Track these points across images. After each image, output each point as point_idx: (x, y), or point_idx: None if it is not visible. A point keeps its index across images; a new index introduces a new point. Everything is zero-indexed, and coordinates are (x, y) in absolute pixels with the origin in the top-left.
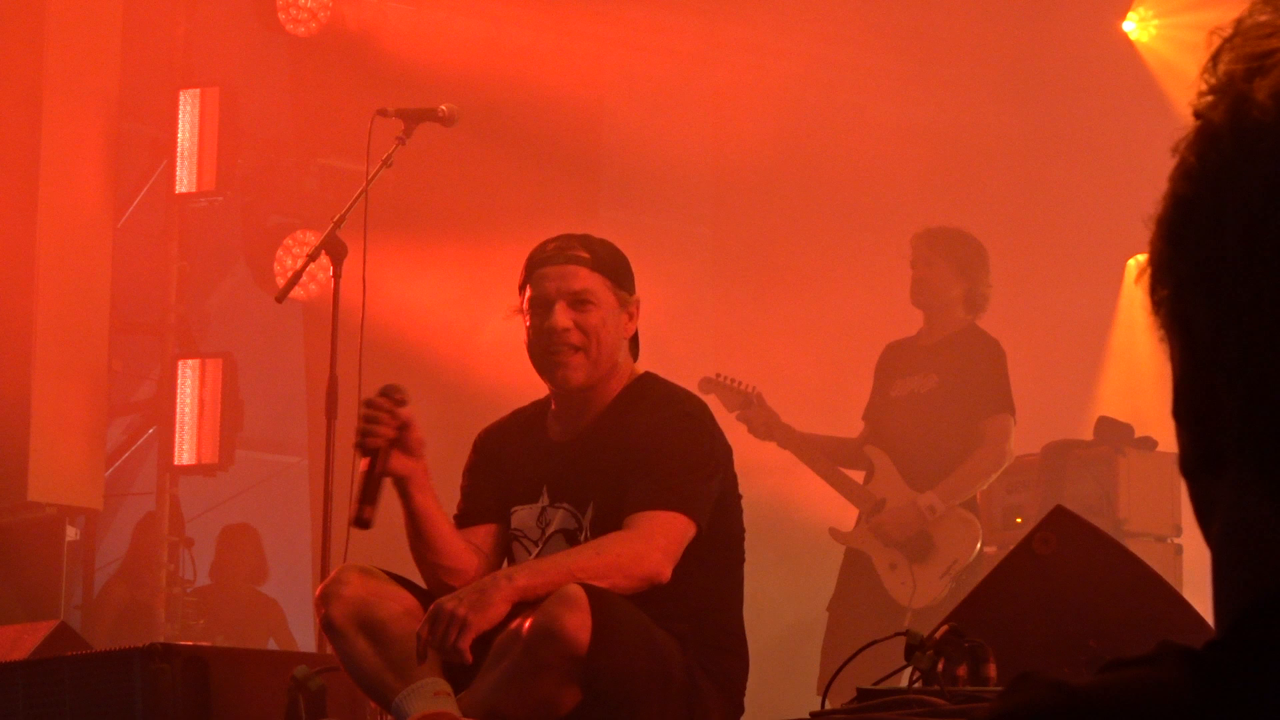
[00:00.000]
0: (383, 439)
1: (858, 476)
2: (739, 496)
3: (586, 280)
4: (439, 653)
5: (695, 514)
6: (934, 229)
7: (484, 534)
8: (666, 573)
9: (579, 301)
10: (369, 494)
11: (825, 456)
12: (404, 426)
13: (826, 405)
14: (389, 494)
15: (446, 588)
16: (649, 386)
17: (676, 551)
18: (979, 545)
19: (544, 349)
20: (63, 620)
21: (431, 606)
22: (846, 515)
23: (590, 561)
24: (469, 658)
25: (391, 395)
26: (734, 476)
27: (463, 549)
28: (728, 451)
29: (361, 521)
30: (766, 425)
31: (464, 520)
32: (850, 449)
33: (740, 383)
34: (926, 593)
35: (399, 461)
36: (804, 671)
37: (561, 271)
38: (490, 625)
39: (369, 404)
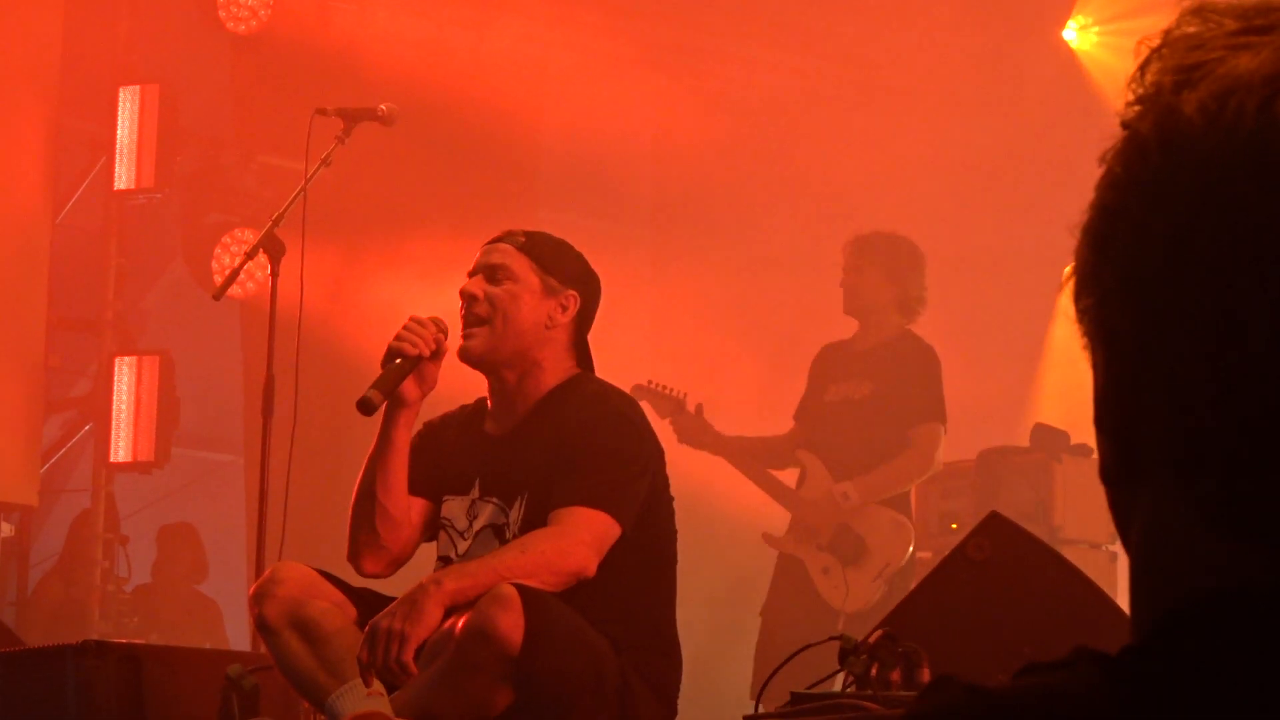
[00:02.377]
0: (417, 350)
1: (789, 477)
2: (671, 498)
3: (508, 258)
4: (382, 674)
5: (620, 514)
6: (864, 235)
7: (415, 506)
8: (592, 568)
9: (494, 276)
10: (385, 382)
11: (755, 460)
12: (437, 353)
13: (765, 405)
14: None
15: (376, 547)
16: (581, 384)
17: (602, 548)
18: (911, 548)
19: (461, 320)
20: None
21: (367, 628)
22: (778, 516)
23: (516, 560)
24: (414, 670)
25: (440, 324)
26: (665, 478)
27: (407, 504)
28: (659, 452)
29: (367, 403)
30: (695, 432)
31: None
32: (780, 450)
33: (671, 389)
34: (859, 596)
35: (412, 384)
36: (736, 675)
37: (492, 248)
38: (427, 633)
39: (417, 319)
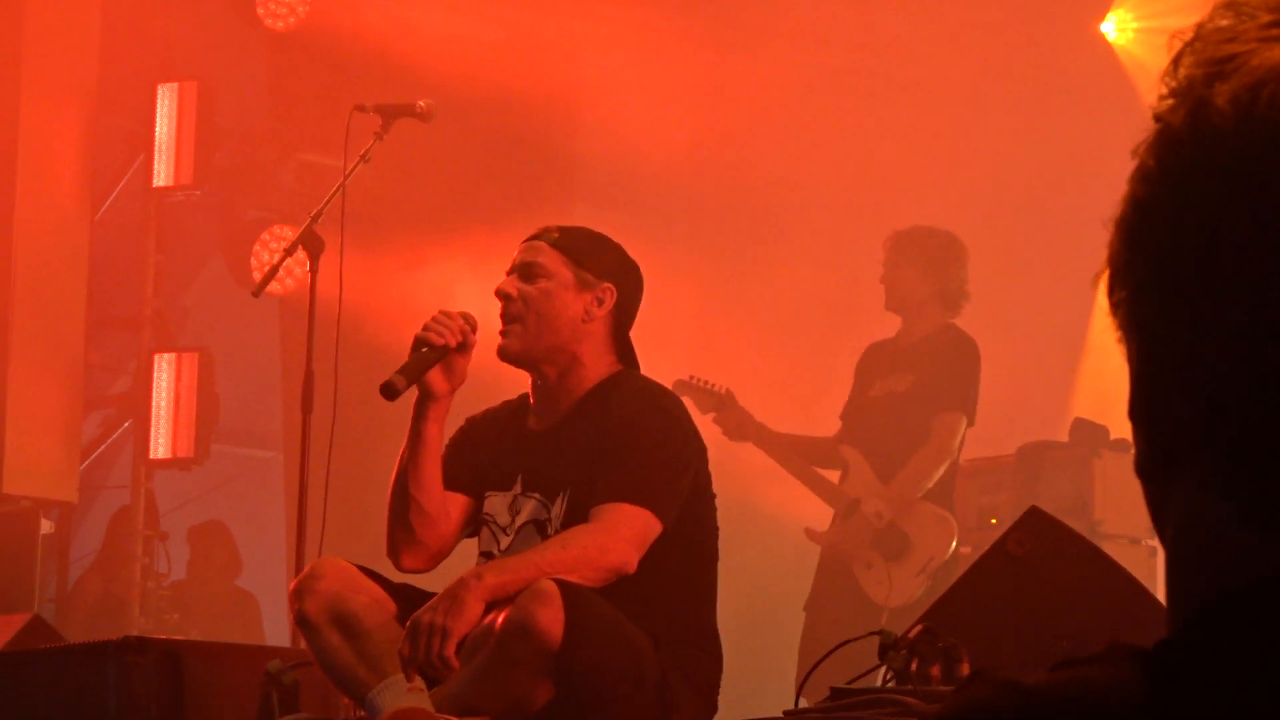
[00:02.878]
0: (445, 340)
1: (833, 476)
2: (713, 495)
3: (541, 254)
4: (424, 669)
5: (661, 510)
6: (902, 231)
7: (454, 501)
8: (633, 563)
9: (529, 273)
10: (410, 370)
11: (799, 456)
12: (464, 346)
13: (804, 404)
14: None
15: (413, 543)
16: (624, 380)
17: (642, 544)
18: (954, 543)
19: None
20: (36, 613)
21: (409, 623)
22: (822, 514)
23: (557, 556)
24: (456, 665)
25: (469, 318)
26: (708, 475)
27: (442, 499)
28: (702, 450)
29: (390, 386)
30: (740, 426)
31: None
32: (825, 448)
33: (713, 384)
34: (903, 591)
35: (439, 376)
36: (777, 670)
37: (526, 246)
38: (468, 628)
39: (445, 311)
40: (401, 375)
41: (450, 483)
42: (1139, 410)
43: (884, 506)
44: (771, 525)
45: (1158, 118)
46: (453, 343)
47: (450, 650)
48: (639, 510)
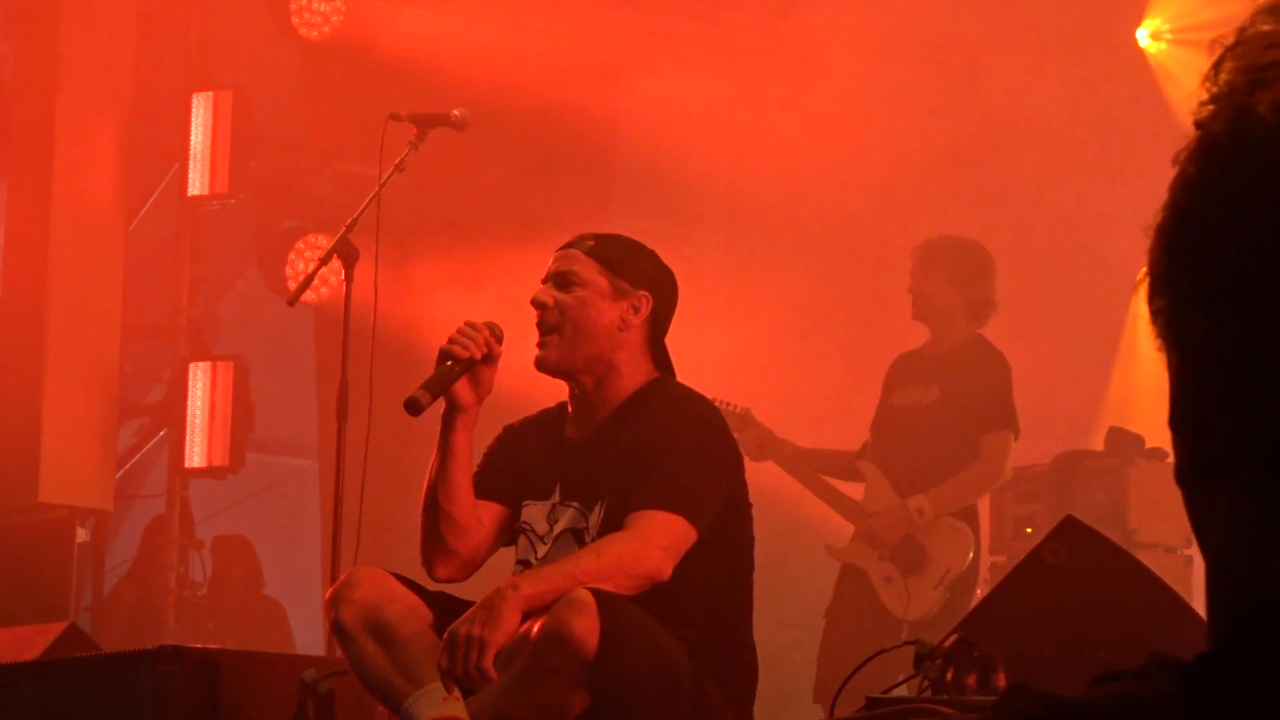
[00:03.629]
0: (470, 353)
1: (856, 490)
2: (749, 505)
3: (576, 263)
4: (463, 681)
5: (695, 518)
6: (931, 240)
7: (489, 510)
8: (667, 571)
9: (564, 282)
10: (434, 384)
11: (819, 471)
12: (490, 357)
13: (840, 417)
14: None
15: (445, 552)
16: (660, 389)
17: (677, 552)
18: (971, 554)
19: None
20: (72, 621)
21: (446, 634)
22: (842, 531)
23: (592, 564)
24: (494, 676)
25: (495, 328)
26: (744, 484)
27: (473, 508)
28: (737, 458)
29: (414, 402)
30: (760, 444)
31: (475, 491)
32: (845, 462)
33: (730, 404)
34: (921, 604)
35: (466, 387)
36: (792, 686)
37: (562, 255)
38: (505, 639)
39: (471, 323)
40: (425, 391)
41: (487, 491)
42: (1180, 420)
43: (926, 505)
44: (793, 539)
45: (1198, 124)
46: (478, 355)
47: (488, 662)
48: (673, 518)
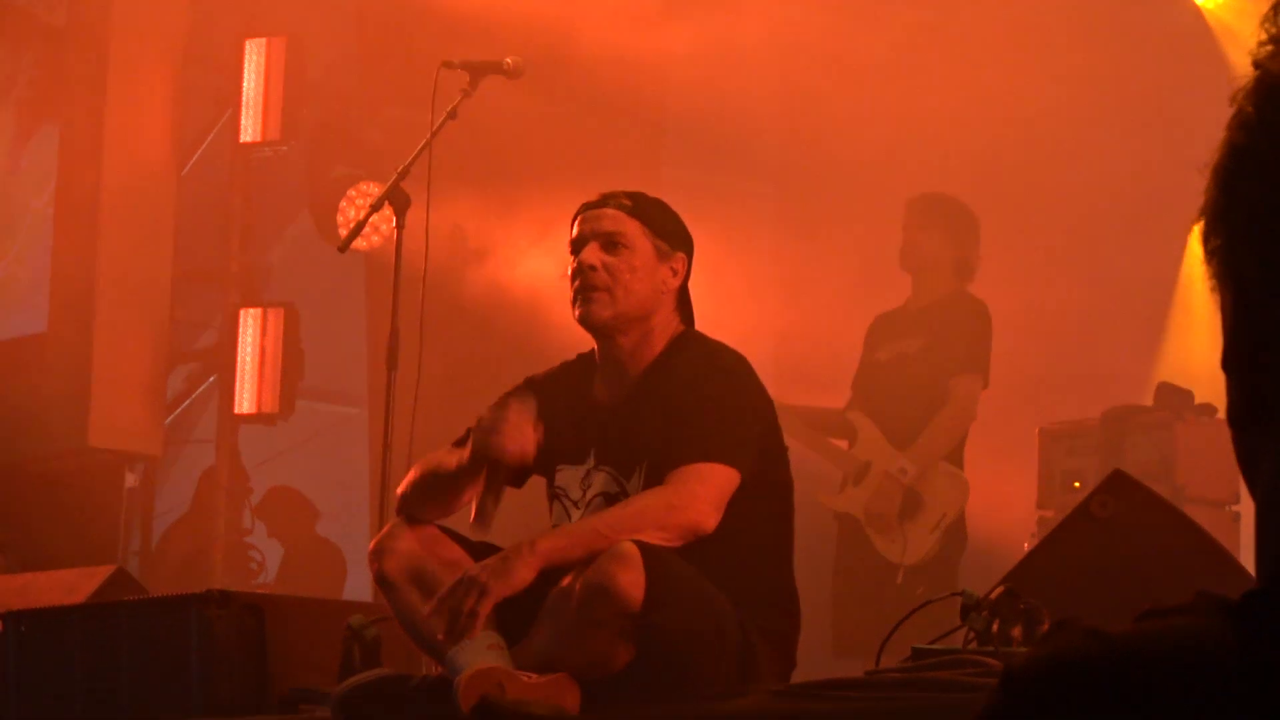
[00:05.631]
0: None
1: (844, 444)
2: (784, 448)
3: (621, 224)
4: (451, 620)
5: (736, 460)
6: (930, 194)
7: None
8: (710, 523)
9: (611, 243)
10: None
11: (808, 425)
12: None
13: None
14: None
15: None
16: (688, 345)
17: (719, 499)
18: (966, 500)
19: (574, 287)
20: (120, 565)
21: (458, 576)
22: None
23: (617, 516)
24: (478, 626)
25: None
26: (778, 428)
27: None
28: (769, 403)
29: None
30: None
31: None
32: (833, 417)
33: None
34: (917, 549)
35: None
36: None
37: (600, 214)
38: (512, 592)
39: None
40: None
41: (522, 458)
42: (1232, 359)
43: (908, 463)
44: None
45: (1257, 64)
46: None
47: (484, 609)
48: (712, 466)
